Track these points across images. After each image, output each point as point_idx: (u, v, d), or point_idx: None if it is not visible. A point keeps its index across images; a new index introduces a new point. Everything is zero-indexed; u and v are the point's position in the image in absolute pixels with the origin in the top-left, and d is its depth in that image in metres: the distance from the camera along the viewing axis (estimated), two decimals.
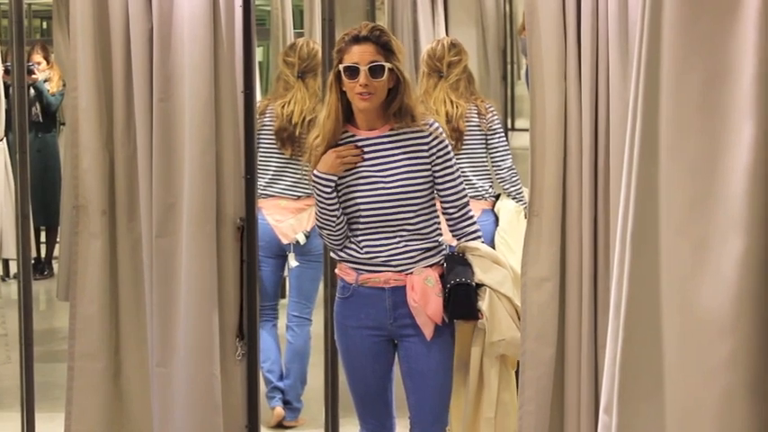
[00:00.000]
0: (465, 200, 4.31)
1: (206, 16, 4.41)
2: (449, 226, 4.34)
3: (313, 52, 6.06)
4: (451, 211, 4.30)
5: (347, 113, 4.21)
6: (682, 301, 2.89)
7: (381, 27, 4.28)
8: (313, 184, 4.21)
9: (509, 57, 13.95)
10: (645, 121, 2.93)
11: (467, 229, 4.32)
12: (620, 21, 4.06)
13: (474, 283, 4.21)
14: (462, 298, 4.19)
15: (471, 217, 4.34)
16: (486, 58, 9.17)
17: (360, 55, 4.13)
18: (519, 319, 4.27)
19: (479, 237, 4.35)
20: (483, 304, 4.21)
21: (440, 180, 4.24)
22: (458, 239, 4.34)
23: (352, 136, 4.22)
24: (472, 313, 4.23)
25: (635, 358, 3.00)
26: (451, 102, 5.94)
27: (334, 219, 4.20)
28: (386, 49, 4.15)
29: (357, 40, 4.15)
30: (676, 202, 2.88)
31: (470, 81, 6.09)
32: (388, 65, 4.13)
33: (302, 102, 5.95)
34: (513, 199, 6.10)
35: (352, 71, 4.12)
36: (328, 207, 4.19)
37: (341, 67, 4.14)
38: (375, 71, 4.12)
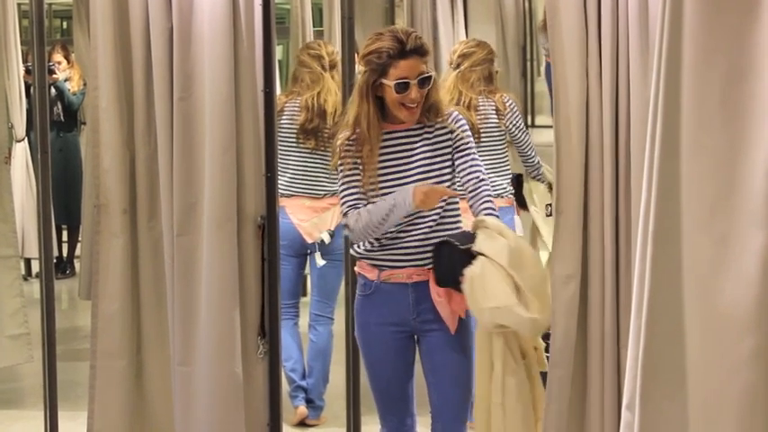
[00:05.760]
0: (480, 176, 4.24)
1: (226, 15, 4.42)
2: (468, 205, 4.28)
3: (333, 50, 6.13)
4: (468, 186, 4.23)
5: (381, 112, 4.24)
6: (704, 298, 2.89)
7: (419, 35, 4.25)
8: (393, 209, 4.11)
9: (528, 54, 13.93)
10: (666, 119, 2.92)
11: (482, 206, 4.22)
12: (641, 17, 4.05)
13: (463, 248, 4.08)
14: (444, 259, 4.12)
15: (486, 195, 4.24)
16: (505, 55, 9.17)
17: (409, 70, 4.14)
18: (518, 291, 4.08)
19: (494, 215, 4.21)
20: (471, 270, 4.08)
21: (458, 159, 4.24)
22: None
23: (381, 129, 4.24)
24: (452, 275, 4.11)
25: (657, 355, 3.00)
26: (459, 92, 5.91)
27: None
28: (426, 57, 4.20)
29: (403, 54, 4.15)
30: (698, 199, 2.88)
31: (490, 76, 6.05)
32: (433, 74, 4.19)
33: (335, 94, 5.95)
34: (539, 180, 6.18)
35: (403, 86, 4.14)
36: (391, 224, 4.17)
37: (390, 83, 4.13)
38: (423, 82, 4.17)
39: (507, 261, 4.06)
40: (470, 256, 4.08)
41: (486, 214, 4.20)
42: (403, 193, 4.12)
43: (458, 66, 5.99)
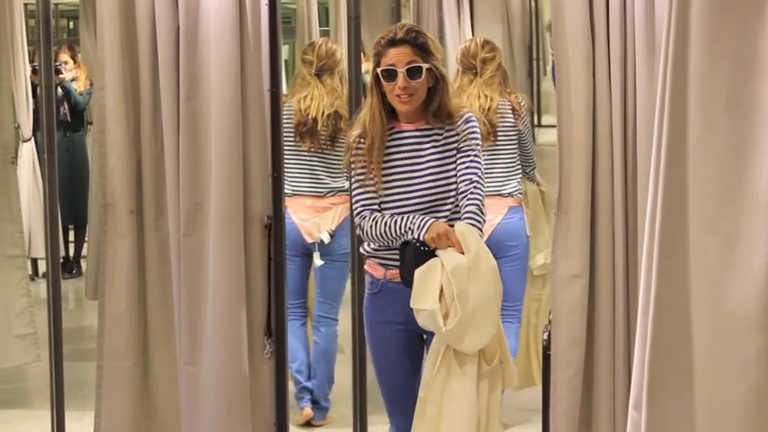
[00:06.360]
0: (473, 179, 4.20)
1: (232, 15, 4.42)
2: (459, 205, 4.25)
3: (330, 51, 6.11)
4: (461, 187, 4.21)
5: (388, 110, 4.25)
6: (711, 298, 2.89)
7: (418, 28, 4.28)
8: (408, 230, 4.12)
9: (535, 53, 13.93)
10: (673, 119, 2.92)
11: (467, 207, 4.18)
12: (647, 19, 4.05)
13: (426, 250, 4.07)
14: (408, 260, 4.10)
15: (474, 200, 4.19)
16: (511, 54, 9.14)
17: (397, 57, 4.16)
18: (459, 310, 4.01)
19: (474, 220, 4.17)
20: (419, 269, 4.06)
21: (458, 158, 4.23)
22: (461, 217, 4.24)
23: (392, 128, 4.26)
24: (408, 272, 4.10)
25: (664, 355, 3.00)
26: (485, 96, 5.92)
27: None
28: (423, 50, 4.18)
29: (393, 42, 4.18)
30: (705, 199, 2.88)
31: (505, 78, 6.07)
32: (425, 65, 4.16)
33: (319, 98, 5.99)
34: (531, 179, 6.20)
35: (390, 74, 4.15)
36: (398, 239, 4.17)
37: (379, 70, 4.18)
38: (413, 72, 4.16)
39: (452, 269, 4.01)
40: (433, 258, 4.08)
41: (466, 218, 4.17)
42: (421, 221, 4.12)
43: (482, 72, 5.98)
